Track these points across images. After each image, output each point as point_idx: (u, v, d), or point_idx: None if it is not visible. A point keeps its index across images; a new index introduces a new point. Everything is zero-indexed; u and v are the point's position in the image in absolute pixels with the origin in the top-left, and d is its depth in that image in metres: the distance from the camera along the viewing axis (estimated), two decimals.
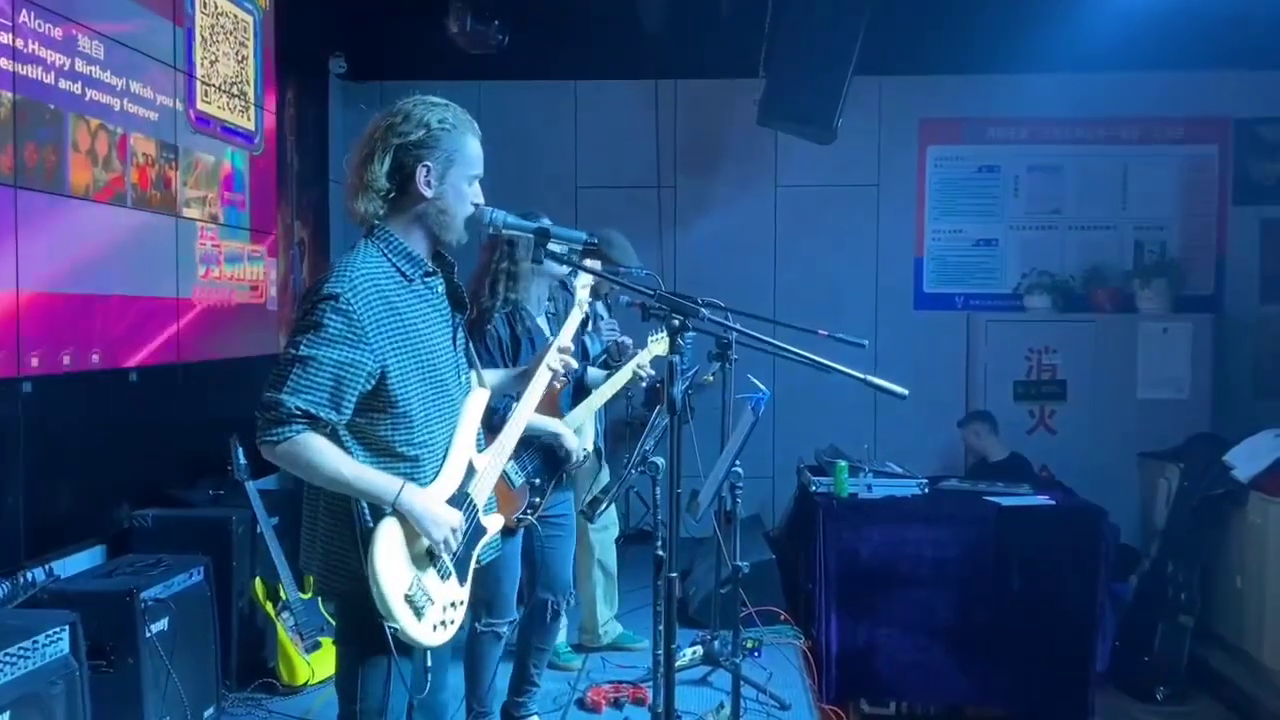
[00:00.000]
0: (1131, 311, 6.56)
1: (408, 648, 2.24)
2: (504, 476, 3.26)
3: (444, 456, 2.32)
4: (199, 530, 4.07)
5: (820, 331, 3.39)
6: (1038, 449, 6.23)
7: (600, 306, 4.47)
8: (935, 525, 4.82)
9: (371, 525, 2.18)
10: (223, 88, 4.85)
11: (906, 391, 2.37)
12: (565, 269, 3.36)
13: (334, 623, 2.43)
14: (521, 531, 3.38)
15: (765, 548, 5.23)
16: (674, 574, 2.42)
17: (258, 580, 4.18)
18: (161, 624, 3.50)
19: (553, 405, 3.42)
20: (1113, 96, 6.60)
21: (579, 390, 3.61)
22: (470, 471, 2.38)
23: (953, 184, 6.81)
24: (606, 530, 4.66)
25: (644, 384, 3.65)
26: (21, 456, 3.50)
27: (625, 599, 4.85)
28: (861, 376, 2.39)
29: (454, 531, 2.26)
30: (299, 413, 2.11)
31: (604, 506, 3.10)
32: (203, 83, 4.66)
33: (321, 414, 2.13)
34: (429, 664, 2.32)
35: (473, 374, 2.48)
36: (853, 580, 4.78)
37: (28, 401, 3.51)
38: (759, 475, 6.29)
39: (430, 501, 2.23)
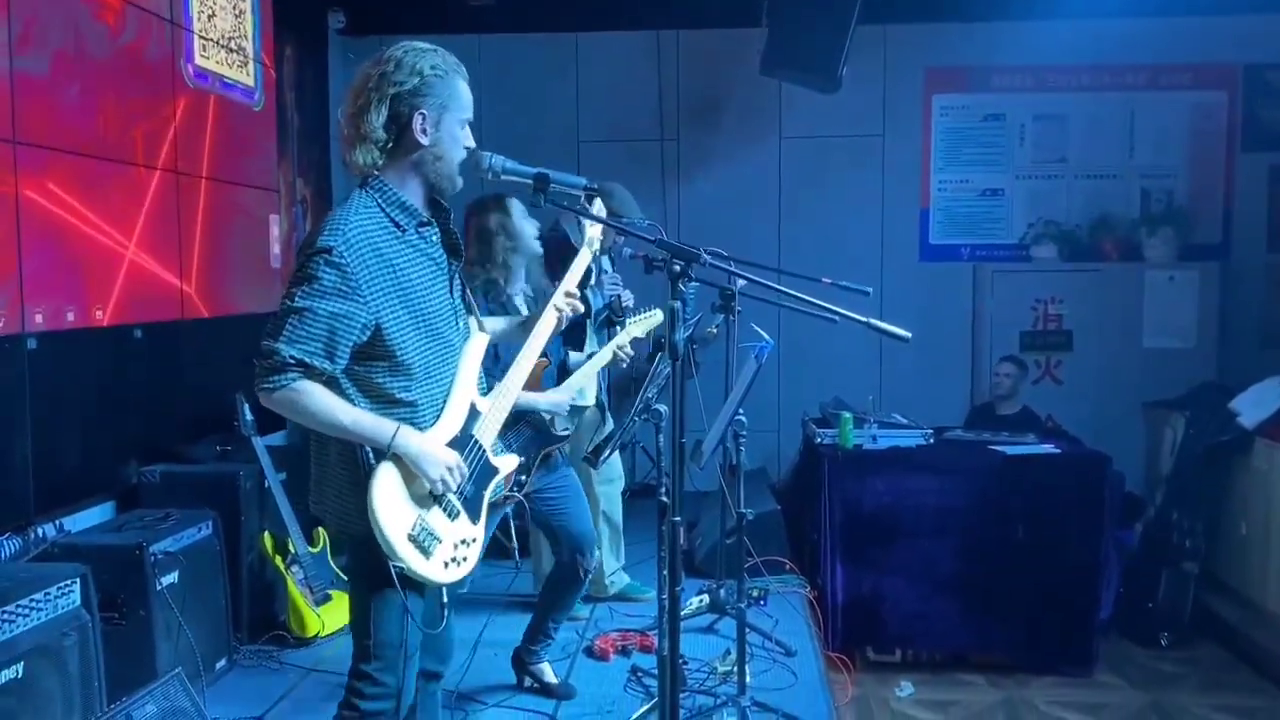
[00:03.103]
0: (1138, 260, 6.52)
1: (418, 584, 2.29)
2: None
3: (444, 401, 2.36)
4: (207, 486, 4.09)
5: (824, 279, 3.38)
6: (1044, 399, 6.23)
7: (605, 260, 4.45)
8: (940, 475, 4.84)
9: (374, 467, 2.23)
10: (221, 42, 4.81)
11: (910, 334, 2.37)
12: (540, 250, 3.38)
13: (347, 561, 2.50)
14: (509, 508, 3.30)
15: (770, 499, 5.25)
16: (678, 518, 2.43)
17: (266, 534, 4.21)
18: (172, 577, 3.54)
19: (536, 386, 3.40)
20: (1120, 43, 6.50)
21: (561, 372, 3.61)
22: (474, 414, 2.41)
23: (958, 133, 6.73)
24: (612, 483, 4.69)
25: (624, 365, 3.63)
26: (29, 414, 3.52)
27: (631, 551, 4.88)
28: (864, 320, 2.38)
29: (450, 470, 2.29)
30: (294, 361, 2.17)
31: (607, 454, 3.10)
32: (200, 37, 4.62)
33: (316, 363, 2.18)
34: (444, 600, 2.39)
35: (471, 320, 2.50)
36: (858, 530, 4.81)
37: (33, 359, 3.52)
38: (763, 429, 6.30)
39: (425, 442, 2.27)
